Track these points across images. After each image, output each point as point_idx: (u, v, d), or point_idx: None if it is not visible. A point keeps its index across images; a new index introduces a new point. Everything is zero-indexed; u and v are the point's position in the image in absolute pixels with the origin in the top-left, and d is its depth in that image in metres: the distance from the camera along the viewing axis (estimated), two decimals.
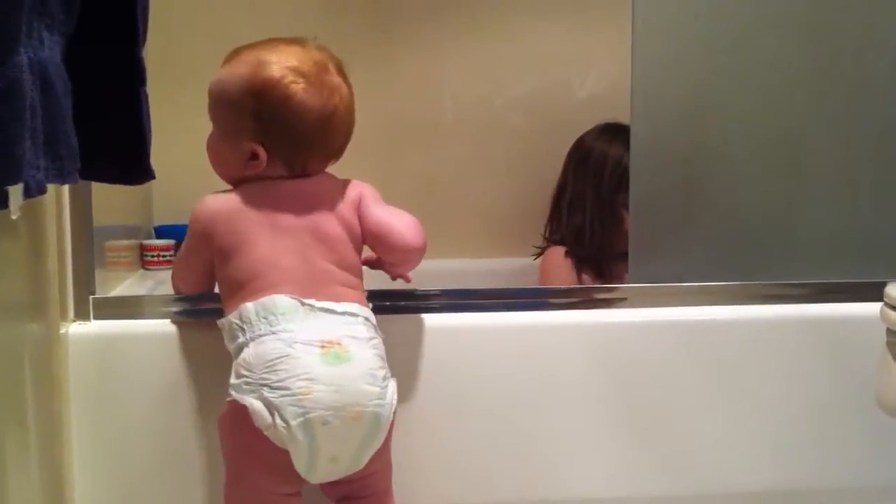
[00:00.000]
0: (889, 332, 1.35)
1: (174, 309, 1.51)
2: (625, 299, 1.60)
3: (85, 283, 1.50)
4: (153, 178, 1.36)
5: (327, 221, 1.40)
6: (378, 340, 1.36)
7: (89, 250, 1.50)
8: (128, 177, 1.35)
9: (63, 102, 1.09)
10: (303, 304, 1.32)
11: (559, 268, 2.12)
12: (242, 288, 1.36)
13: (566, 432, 1.56)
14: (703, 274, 1.63)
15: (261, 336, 1.30)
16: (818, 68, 1.66)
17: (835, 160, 1.68)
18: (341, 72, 1.44)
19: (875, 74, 1.66)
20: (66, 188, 1.44)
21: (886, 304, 1.34)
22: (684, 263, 1.65)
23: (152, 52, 1.35)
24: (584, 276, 2.10)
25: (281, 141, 1.40)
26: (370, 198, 1.45)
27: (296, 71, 1.39)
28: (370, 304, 1.41)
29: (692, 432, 1.58)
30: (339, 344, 1.30)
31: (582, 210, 2.11)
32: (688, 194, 1.67)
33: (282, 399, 1.26)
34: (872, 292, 1.42)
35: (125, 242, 1.88)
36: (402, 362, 1.49)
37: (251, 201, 1.40)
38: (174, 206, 2.11)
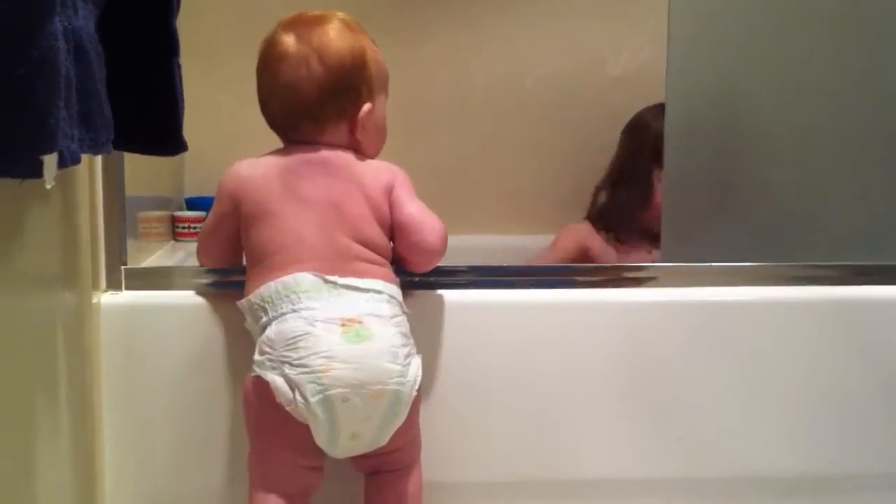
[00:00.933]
0: None
1: (205, 281, 1.52)
2: (655, 279, 1.59)
3: (117, 254, 1.51)
4: (186, 149, 1.37)
5: (352, 197, 1.40)
6: (402, 318, 1.36)
7: (121, 221, 1.51)
8: (161, 148, 1.36)
9: (97, 72, 1.09)
10: (326, 281, 1.33)
11: (573, 231, 2.14)
12: (266, 259, 1.37)
13: (587, 412, 1.56)
14: (734, 255, 1.61)
15: (283, 315, 1.31)
16: (854, 50, 1.64)
17: (869, 141, 1.66)
18: (300, 34, 1.43)
19: None
20: (98, 159, 1.44)
21: None
22: (716, 244, 1.63)
23: (183, 25, 1.35)
24: (596, 244, 2.10)
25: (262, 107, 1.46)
26: (405, 188, 1.45)
27: (264, 41, 1.45)
28: (398, 281, 1.41)
29: (715, 415, 1.58)
30: (360, 322, 1.30)
31: (619, 179, 2.12)
32: (721, 175, 1.65)
33: (301, 376, 1.27)
34: None
35: (157, 213, 1.89)
36: (427, 338, 1.50)
37: (277, 168, 1.42)
38: (205, 178, 2.11)
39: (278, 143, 1.48)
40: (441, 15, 2.34)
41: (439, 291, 1.53)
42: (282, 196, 1.39)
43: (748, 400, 1.57)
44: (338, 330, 1.29)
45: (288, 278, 1.33)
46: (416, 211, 1.44)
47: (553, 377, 1.55)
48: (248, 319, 1.38)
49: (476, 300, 1.55)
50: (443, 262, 1.50)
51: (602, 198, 2.16)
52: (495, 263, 1.60)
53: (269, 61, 1.44)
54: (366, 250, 1.39)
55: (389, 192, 1.43)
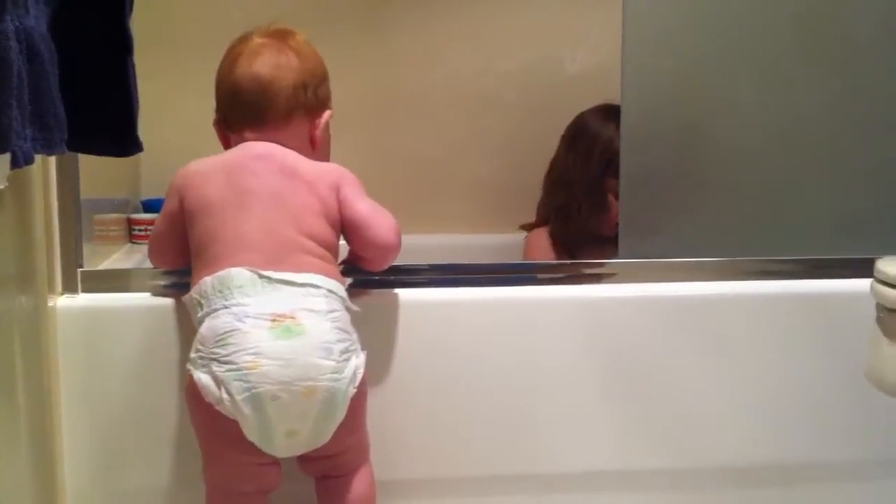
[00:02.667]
0: (879, 307, 1.35)
1: (161, 282, 1.51)
2: (614, 275, 1.60)
3: (73, 256, 1.50)
4: (141, 149, 1.36)
5: (297, 190, 1.40)
6: (341, 313, 1.34)
7: (77, 223, 1.49)
8: (116, 148, 1.34)
9: (50, 72, 1.08)
10: (260, 276, 1.31)
11: (539, 250, 2.11)
12: (205, 252, 1.36)
13: (552, 407, 1.57)
14: (693, 250, 1.63)
15: (216, 311, 1.30)
16: (811, 47, 1.65)
17: (825, 138, 1.67)
18: (268, 39, 1.47)
19: (870, 52, 1.65)
20: (53, 161, 1.43)
21: (877, 280, 1.34)
22: (674, 240, 1.64)
23: (139, 27, 1.33)
24: (562, 258, 2.09)
25: (217, 109, 1.48)
26: (353, 186, 1.45)
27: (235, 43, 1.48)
28: (350, 280, 1.41)
29: (681, 407, 1.59)
30: (292, 317, 1.29)
31: (568, 189, 2.08)
32: (678, 171, 1.66)
33: (228, 373, 1.26)
34: (863, 268, 1.42)
35: (113, 216, 1.87)
36: (389, 336, 1.50)
37: (224, 163, 1.42)
38: (161, 181, 2.07)
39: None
40: (405, 12, 2.33)
41: (400, 290, 1.53)
42: (224, 189, 1.39)
43: (712, 392, 1.59)
44: (267, 326, 1.28)
45: (223, 273, 1.32)
46: (366, 208, 1.44)
47: (516, 373, 1.55)
48: (190, 314, 1.37)
49: (437, 298, 1.55)
50: (403, 261, 1.50)
51: (554, 209, 2.13)
52: (457, 262, 1.60)
53: (243, 54, 1.45)
54: (310, 242, 1.38)
55: (337, 189, 1.43)
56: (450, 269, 1.59)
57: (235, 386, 1.25)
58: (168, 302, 1.49)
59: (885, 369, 1.33)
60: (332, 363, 1.29)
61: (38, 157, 1.11)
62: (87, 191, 1.52)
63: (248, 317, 1.28)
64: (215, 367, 1.27)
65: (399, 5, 2.33)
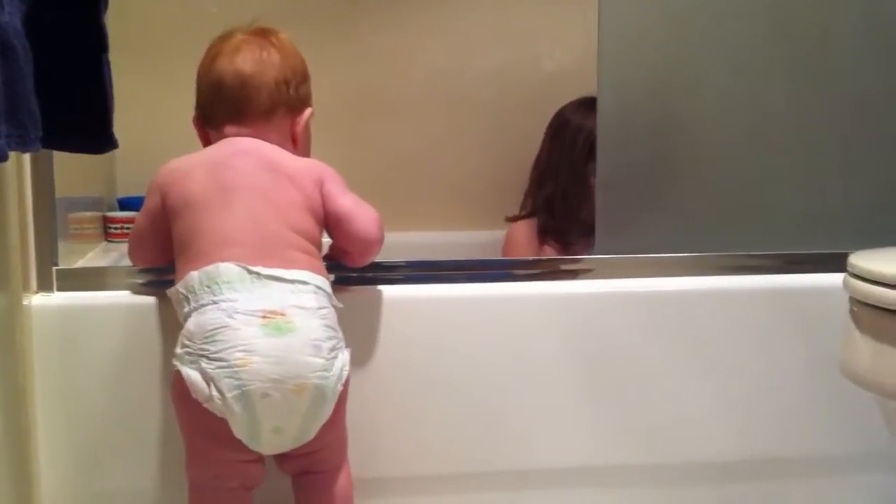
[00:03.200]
0: (852, 300, 1.36)
1: (137, 281, 1.50)
2: (591, 270, 1.61)
3: (48, 255, 1.49)
4: (116, 146, 1.35)
5: (280, 185, 1.40)
6: (329, 311, 1.34)
7: (52, 221, 1.49)
8: (91, 145, 1.34)
9: (24, 69, 1.07)
10: (249, 271, 1.30)
11: (519, 244, 2.12)
12: (191, 247, 1.35)
13: (530, 403, 1.57)
14: (669, 246, 1.64)
15: (204, 306, 1.29)
16: (786, 44, 1.67)
17: (800, 134, 1.69)
18: (251, 36, 1.47)
19: (842, 51, 1.67)
20: (27, 159, 1.42)
21: (850, 273, 1.35)
22: (651, 236, 1.65)
23: (116, 25, 1.33)
24: (548, 248, 2.10)
25: (197, 105, 1.48)
26: (335, 181, 1.45)
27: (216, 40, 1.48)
28: (332, 276, 1.41)
29: (658, 402, 1.60)
30: (282, 314, 1.28)
31: (555, 181, 2.11)
32: (655, 167, 1.67)
33: (218, 370, 1.25)
34: (837, 263, 1.44)
35: (88, 214, 1.86)
36: (367, 333, 1.50)
37: (205, 159, 1.42)
38: (137, 179, 2.07)
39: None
40: (383, 10, 2.33)
41: (378, 287, 1.53)
42: (207, 185, 1.38)
43: (688, 387, 1.60)
44: (258, 322, 1.27)
45: (210, 268, 1.31)
46: (349, 202, 1.44)
47: (493, 370, 1.55)
48: (175, 309, 1.36)
49: (415, 295, 1.55)
50: (381, 258, 1.50)
51: (542, 200, 2.15)
52: (435, 259, 1.60)
53: (225, 50, 1.45)
54: (297, 237, 1.37)
55: (320, 184, 1.43)
56: (428, 266, 1.59)
57: (226, 383, 1.25)
58: (145, 300, 1.48)
59: (858, 362, 1.35)
60: (322, 360, 1.29)
61: (12, 155, 1.10)
62: (62, 189, 1.51)
63: (237, 313, 1.27)
64: (205, 364, 1.26)
65: (376, 3, 2.32)
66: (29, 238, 1.46)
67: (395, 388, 1.53)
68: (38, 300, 1.47)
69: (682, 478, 1.62)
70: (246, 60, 1.44)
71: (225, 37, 1.48)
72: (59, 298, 1.49)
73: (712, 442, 1.61)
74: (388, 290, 1.53)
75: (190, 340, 1.28)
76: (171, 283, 1.42)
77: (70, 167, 1.53)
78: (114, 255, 1.83)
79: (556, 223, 2.11)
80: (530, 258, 1.95)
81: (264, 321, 1.27)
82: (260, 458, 1.35)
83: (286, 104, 1.46)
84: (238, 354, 1.25)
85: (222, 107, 1.45)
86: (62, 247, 1.52)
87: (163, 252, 1.43)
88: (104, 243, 1.96)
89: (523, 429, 1.58)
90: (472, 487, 1.59)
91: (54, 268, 1.49)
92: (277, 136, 1.46)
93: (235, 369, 1.24)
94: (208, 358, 1.26)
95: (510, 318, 1.56)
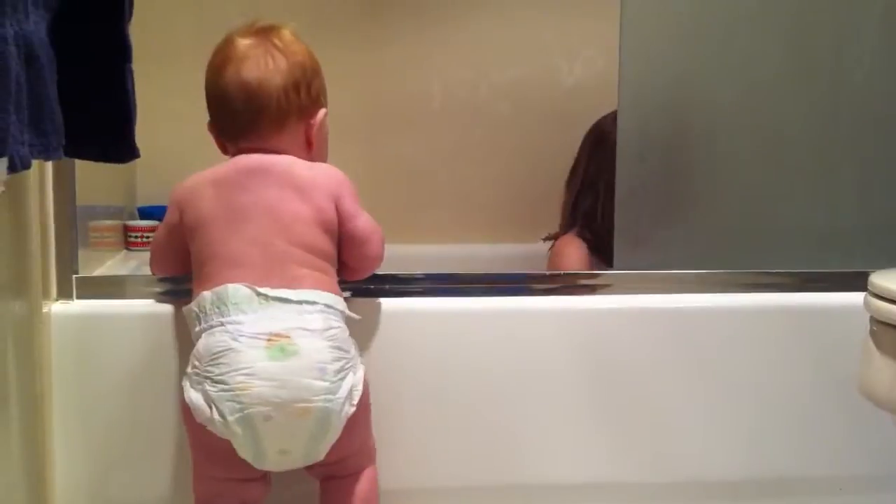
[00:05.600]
0: (872, 320, 1.36)
1: (157, 289, 1.51)
2: (609, 286, 1.60)
3: (68, 263, 1.50)
4: (138, 156, 1.35)
5: (289, 201, 1.37)
6: (337, 331, 1.32)
7: (73, 229, 1.49)
8: (113, 155, 1.34)
9: (48, 77, 1.08)
10: (257, 293, 1.30)
11: (571, 254, 2.11)
12: (202, 269, 1.36)
13: (544, 417, 1.57)
14: (687, 263, 1.63)
15: (212, 327, 1.29)
16: (801, 62, 1.67)
17: (817, 151, 1.68)
18: (252, 39, 1.43)
19: (858, 66, 1.67)
20: (49, 167, 1.43)
21: (870, 293, 1.34)
22: (668, 252, 1.65)
23: (137, 34, 1.33)
24: (594, 262, 2.09)
25: (210, 119, 1.45)
26: (352, 198, 1.42)
27: (218, 48, 1.44)
28: (347, 293, 1.41)
29: (672, 420, 1.59)
30: (287, 337, 1.27)
31: (595, 195, 2.09)
32: (673, 184, 1.67)
33: (220, 394, 1.25)
34: (853, 282, 1.43)
35: (108, 223, 1.87)
36: (380, 345, 1.50)
37: (214, 180, 1.40)
38: (158, 188, 2.09)
39: None
40: (400, 22, 2.34)
41: (393, 299, 1.53)
42: (214, 205, 1.37)
43: (703, 404, 1.59)
44: (263, 346, 1.26)
45: (220, 288, 1.31)
46: (366, 223, 1.43)
47: (508, 383, 1.55)
48: (189, 327, 1.37)
49: (432, 308, 1.55)
50: (398, 270, 1.51)
51: (582, 213, 2.12)
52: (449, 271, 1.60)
53: (229, 61, 1.40)
54: (306, 254, 1.36)
55: (336, 199, 1.40)
56: (445, 279, 1.59)
57: (227, 406, 1.25)
58: (163, 309, 1.49)
59: (879, 383, 1.34)
60: (326, 384, 1.28)
61: (34, 163, 1.11)
62: (83, 197, 1.52)
63: (242, 335, 1.27)
64: (208, 387, 1.26)
65: (394, 15, 2.33)
66: (49, 245, 1.47)
67: (407, 400, 1.52)
68: (57, 308, 1.48)
69: (694, 497, 1.61)
70: (250, 72, 1.39)
71: (227, 43, 1.43)
72: (78, 306, 1.49)
73: (726, 461, 1.60)
74: (401, 303, 1.53)
75: (198, 361, 1.29)
76: (187, 293, 1.42)
77: (91, 176, 1.54)
78: (133, 263, 1.84)
79: (595, 238, 2.08)
80: (546, 272, 1.95)
81: (269, 344, 1.27)
82: (262, 477, 1.35)
83: (297, 110, 1.42)
84: (240, 378, 1.25)
85: (232, 122, 1.42)
86: (82, 255, 1.53)
87: (181, 263, 1.43)
88: (124, 252, 1.97)
89: (535, 443, 1.57)
90: (479, 501, 1.59)
91: (74, 276, 1.50)
92: (292, 143, 1.43)
93: (237, 393, 1.25)
94: (212, 381, 1.26)
95: (526, 333, 1.56)
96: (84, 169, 1.48)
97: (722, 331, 1.59)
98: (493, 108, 2.36)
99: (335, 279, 1.40)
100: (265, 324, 1.28)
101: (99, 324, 1.49)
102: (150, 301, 1.50)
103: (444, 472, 1.56)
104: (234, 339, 1.27)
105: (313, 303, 1.32)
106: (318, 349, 1.29)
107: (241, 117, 1.41)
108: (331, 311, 1.33)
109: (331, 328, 1.31)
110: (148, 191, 2.15)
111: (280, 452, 1.29)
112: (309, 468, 1.38)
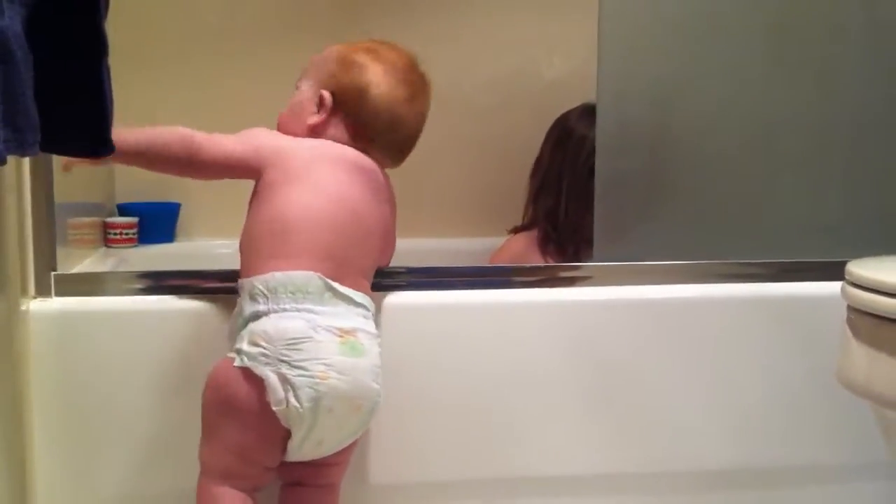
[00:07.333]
0: (849, 308, 1.36)
1: (136, 286, 1.50)
2: (590, 278, 1.61)
3: (46, 260, 1.49)
4: (113, 150, 1.34)
5: (382, 218, 1.45)
6: (380, 339, 1.38)
7: (51, 226, 1.48)
8: (90, 150, 1.33)
9: (23, 72, 1.07)
10: (329, 287, 1.32)
11: (513, 256, 2.09)
12: (278, 242, 1.35)
13: (528, 409, 1.57)
14: (668, 254, 1.64)
15: (284, 310, 1.30)
16: (784, 53, 1.67)
17: (799, 143, 1.69)
18: (427, 83, 1.55)
19: (842, 58, 1.68)
20: (26, 163, 1.42)
21: (847, 282, 1.35)
22: (649, 243, 1.66)
23: (115, 30, 1.33)
24: (549, 260, 2.08)
25: (348, 108, 1.47)
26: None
27: (396, 64, 1.52)
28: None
29: (655, 410, 1.60)
30: (354, 336, 1.31)
31: (556, 192, 2.08)
32: (653, 175, 1.67)
33: (300, 378, 1.26)
34: (833, 271, 1.44)
35: (87, 220, 1.86)
36: None
37: (327, 155, 1.43)
38: (137, 185, 2.10)
39: None
40: (382, 17, 2.33)
41: (378, 293, 1.52)
42: (311, 182, 1.39)
43: (685, 395, 1.60)
44: (337, 340, 1.29)
45: (297, 274, 1.31)
46: (394, 239, 1.53)
47: (492, 376, 1.55)
48: (243, 299, 1.35)
49: (414, 302, 1.55)
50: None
51: (544, 212, 2.13)
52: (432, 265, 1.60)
53: (422, 90, 1.53)
54: (368, 263, 1.41)
55: (395, 215, 1.51)
56: (427, 273, 1.59)
57: (306, 392, 1.26)
58: (143, 306, 1.48)
59: (855, 371, 1.35)
60: (378, 387, 1.33)
61: (12, 160, 1.10)
62: (61, 194, 1.51)
63: (319, 327, 1.29)
64: (286, 370, 1.27)
65: (375, 10, 2.32)
66: (27, 243, 1.46)
67: (392, 394, 1.52)
68: (35, 305, 1.47)
69: (682, 486, 1.62)
70: (425, 108, 1.54)
71: (412, 69, 1.54)
72: (57, 303, 1.49)
73: (709, 450, 1.61)
74: (386, 297, 1.53)
75: (267, 342, 1.28)
76: (167, 289, 1.42)
77: (70, 173, 1.53)
78: (113, 260, 1.83)
79: (557, 235, 2.07)
80: (529, 265, 1.95)
81: (342, 339, 1.30)
82: (275, 469, 1.36)
83: None
84: (320, 367, 1.27)
85: (392, 143, 1.50)
86: (61, 252, 1.52)
87: (216, 171, 1.44)
88: (103, 249, 1.96)
89: (521, 435, 1.57)
90: (468, 495, 1.59)
91: (53, 273, 1.49)
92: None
93: (317, 380, 1.26)
94: (290, 364, 1.27)
95: (509, 325, 1.57)
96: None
97: (703, 321, 1.60)
98: (477, 103, 2.35)
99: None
100: (336, 318, 1.31)
101: (78, 321, 1.48)
102: (130, 298, 1.50)
103: (429, 465, 1.57)
104: (313, 329, 1.29)
105: (368, 308, 1.37)
106: (375, 353, 1.34)
107: (404, 144, 1.53)
108: (372, 318, 1.38)
109: (378, 336, 1.37)
110: (127, 188, 2.14)
111: (318, 443, 1.32)
112: (284, 470, 1.38)
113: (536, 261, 2.03)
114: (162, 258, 2.03)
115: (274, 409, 1.27)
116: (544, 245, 2.08)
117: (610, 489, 1.61)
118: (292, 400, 1.26)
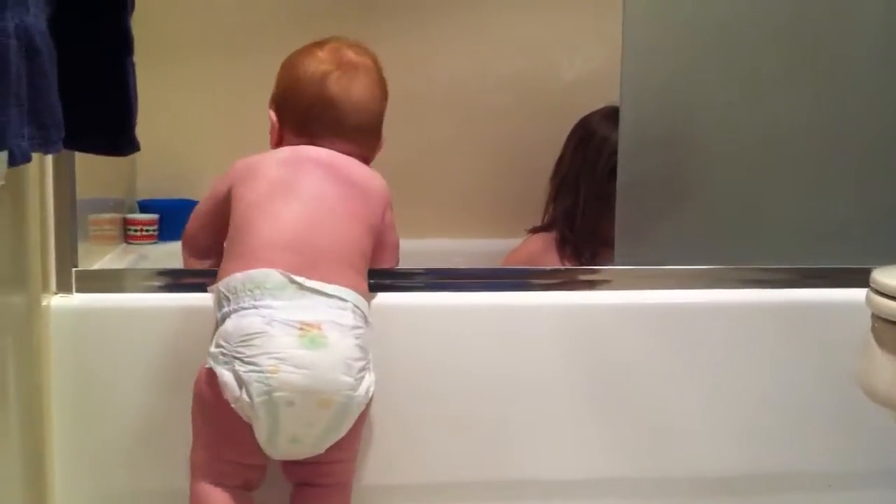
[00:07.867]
0: (874, 317, 1.35)
1: (156, 283, 1.51)
2: (609, 281, 1.60)
3: (67, 256, 1.49)
4: (138, 149, 1.36)
5: (351, 200, 1.42)
6: (363, 331, 1.35)
7: (72, 223, 1.49)
8: (113, 148, 1.34)
9: (48, 70, 1.08)
10: (292, 281, 1.31)
11: (530, 257, 2.08)
12: (239, 242, 1.37)
13: (543, 413, 1.56)
14: (687, 258, 1.63)
15: (244, 309, 1.30)
16: (802, 58, 1.66)
17: (817, 147, 1.68)
18: (363, 59, 1.53)
19: (856, 61, 1.67)
20: (49, 160, 1.43)
21: (872, 290, 1.34)
22: (669, 247, 1.65)
23: (140, 28, 1.33)
24: (567, 263, 2.07)
25: (287, 109, 1.49)
26: (391, 208, 1.50)
27: (317, 53, 1.51)
28: (369, 294, 1.42)
29: (671, 416, 1.59)
30: (318, 328, 1.29)
31: (575, 192, 2.07)
32: (674, 179, 1.67)
33: (250, 374, 1.26)
34: (852, 278, 1.43)
35: (108, 216, 1.87)
36: (380, 339, 1.49)
37: (280, 159, 1.44)
38: (158, 182, 2.10)
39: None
40: (400, 16, 2.33)
41: (394, 294, 1.52)
42: (275, 183, 1.40)
43: (701, 400, 1.59)
44: (295, 333, 1.28)
45: (255, 272, 1.32)
46: (396, 237, 1.51)
47: (507, 379, 1.55)
48: (213, 306, 1.37)
49: (430, 303, 1.55)
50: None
51: (561, 213, 2.12)
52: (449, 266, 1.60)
53: (339, 69, 1.49)
54: (350, 253, 1.39)
55: (385, 209, 1.48)
56: (443, 274, 1.59)
57: (256, 387, 1.26)
58: (163, 303, 1.49)
59: (879, 380, 1.34)
60: (350, 380, 1.30)
61: (34, 156, 1.11)
62: (83, 190, 1.51)
63: (275, 321, 1.28)
64: (238, 366, 1.27)
65: (394, 9, 2.32)
66: (49, 239, 1.46)
67: (401, 395, 1.52)
68: (56, 301, 1.48)
69: (692, 492, 1.61)
70: (361, 90, 1.52)
71: (332, 51, 1.51)
72: (77, 300, 1.49)
73: (724, 457, 1.60)
74: (401, 298, 1.53)
75: (226, 342, 1.29)
76: (188, 287, 1.43)
77: (91, 169, 1.54)
78: (133, 257, 1.84)
79: (573, 237, 2.05)
80: (547, 268, 1.94)
81: (301, 332, 1.29)
82: (265, 465, 1.36)
83: (377, 134, 1.56)
84: (270, 361, 1.26)
85: (325, 125, 1.49)
86: (82, 248, 1.53)
87: (214, 242, 1.46)
88: (123, 245, 1.97)
89: (530, 439, 1.57)
90: (474, 497, 1.58)
91: (73, 269, 1.50)
92: (363, 152, 1.52)
93: (266, 375, 1.26)
94: (242, 361, 1.27)
95: (525, 328, 1.56)
96: (84, 162, 1.47)
97: (721, 327, 1.59)
98: (494, 103, 2.35)
99: (366, 282, 1.42)
100: (298, 312, 1.30)
101: (98, 317, 1.48)
102: (150, 295, 1.50)
103: (438, 467, 1.56)
104: (268, 324, 1.28)
105: (344, 300, 1.34)
106: (347, 346, 1.31)
107: (339, 124, 1.50)
108: (358, 312, 1.36)
109: (358, 327, 1.34)
110: (148, 184, 2.15)
111: (292, 440, 1.31)
112: (291, 468, 1.39)
113: (553, 262, 2.02)
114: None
115: (232, 405, 1.28)
116: (562, 247, 2.07)
117: (620, 494, 1.60)
118: (244, 395, 1.27)
